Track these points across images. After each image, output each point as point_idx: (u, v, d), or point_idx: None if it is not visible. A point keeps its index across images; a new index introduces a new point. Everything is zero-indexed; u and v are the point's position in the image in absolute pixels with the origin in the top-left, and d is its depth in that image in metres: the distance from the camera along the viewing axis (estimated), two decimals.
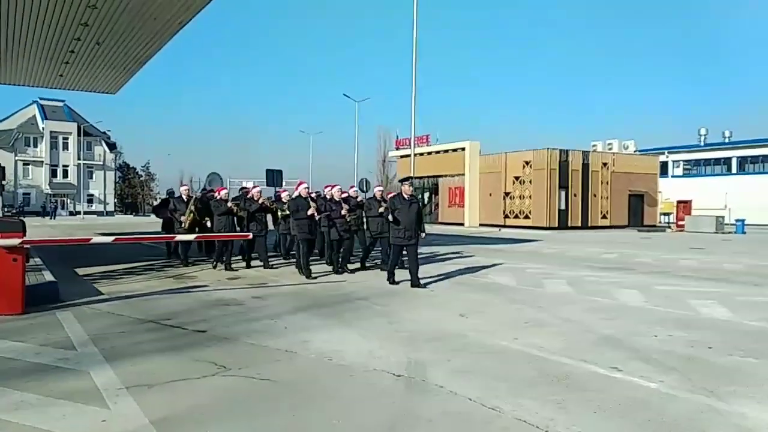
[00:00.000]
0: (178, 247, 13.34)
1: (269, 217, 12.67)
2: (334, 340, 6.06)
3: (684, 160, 51.85)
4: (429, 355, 5.50)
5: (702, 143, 51.79)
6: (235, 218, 12.15)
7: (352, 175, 48.49)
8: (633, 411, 4.04)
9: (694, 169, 51.28)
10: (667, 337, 6.25)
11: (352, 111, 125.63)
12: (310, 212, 10.68)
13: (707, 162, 50.27)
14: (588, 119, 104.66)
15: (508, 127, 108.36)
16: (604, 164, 35.74)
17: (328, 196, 12.03)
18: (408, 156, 42.21)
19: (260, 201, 12.06)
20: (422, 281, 9.79)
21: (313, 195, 11.88)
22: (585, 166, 34.56)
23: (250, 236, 11.49)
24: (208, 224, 12.47)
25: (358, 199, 12.50)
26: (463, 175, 37.72)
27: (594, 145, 40.63)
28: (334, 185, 11.99)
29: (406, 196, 9.84)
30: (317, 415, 3.98)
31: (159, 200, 16.59)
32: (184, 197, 12.93)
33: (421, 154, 36.21)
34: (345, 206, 11.41)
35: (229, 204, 11.92)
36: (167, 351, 5.52)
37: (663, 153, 48.58)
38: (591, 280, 10.85)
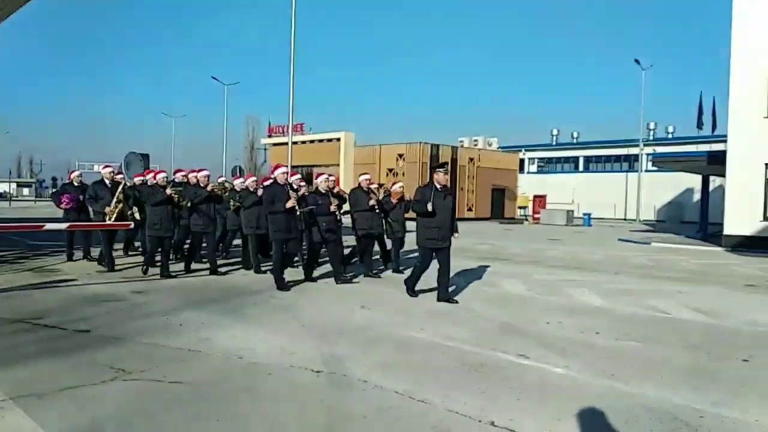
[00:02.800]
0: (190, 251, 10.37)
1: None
2: (238, 337, 5.73)
3: (538, 158, 56.07)
4: (343, 349, 5.38)
5: (554, 143, 56.39)
6: (174, 209, 9.52)
7: (220, 161, 46.71)
8: (550, 396, 4.24)
9: (547, 166, 55.67)
10: (558, 324, 6.68)
11: (217, 96, 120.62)
12: (289, 204, 8.41)
13: (558, 160, 54.82)
14: (456, 115, 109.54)
15: (382, 119, 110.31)
16: (471, 159, 37.64)
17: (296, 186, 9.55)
18: (281, 144, 41.58)
19: (209, 188, 9.85)
20: (313, 275, 9.58)
21: (296, 183, 9.57)
22: (454, 161, 36.12)
23: (131, 225, 9.97)
24: (136, 215, 10.31)
25: (335, 191, 9.71)
26: (338, 165, 37.75)
27: (461, 141, 42.61)
28: (321, 173, 9.76)
29: (439, 186, 7.79)
30: (245, 417, 3.72)
31: (60, 186, 12.86)
32: (107, 182, 10.28)
33: (296, 143, 35.60)
34: (334, 200, 9.11)
35: (168, 191, 9.30)
36: (51, 355, 4.89)
37: (521, 151, 52.13)
38: (474, 270, 11.32)
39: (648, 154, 41.91)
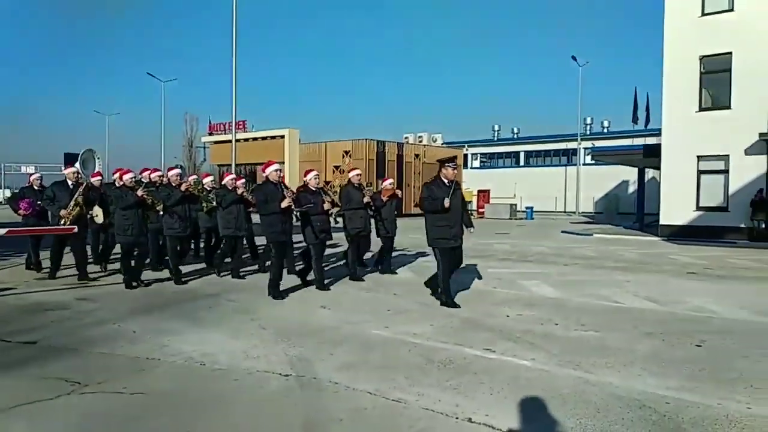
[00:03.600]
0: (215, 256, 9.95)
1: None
2: (197, 342, 5.53)
3: (481, 153, 57.04)
4: (309, 351, 5.28)
5: (496, 138, 57.51)
6: (146, 213, 8.81)
7: (158, 159, 45.27)
8: (522, 389, 4.28)
9: (489, 161, 56.72)
10: (517, 317, 6.78)
11: (153, 92, 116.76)
12: (284, 204, 7.81)
13: (500, 155, 55.95)
14: (401, 112, 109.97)
15: (327, 116, 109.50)
16: (417, 155, 37.91)
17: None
18: (222, 142, 40.69)
19: (183, 188, 9.13)
20: (242, 273, 9.54)
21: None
22: (400, 157, 36.32)
23: (75, 229, 8.77)
24: (98, 219, 9.38)
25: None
26: (283, 162, 37.26)
27: (406, 137, 42.87)
28: (310, 170, 8.93)
29: (446, 181, 7.31)
30: (219, 426, 3.58)
31: (19, 189, 10.94)
32: (69, 183, 9.28)
33: (239, 141, 34.91)
34: (327, 198, 8.60)
35: (140, 193, 8.49)
36: None
37: (464, 146, 52.90)
38: (429, 265, 11.36)
39: (586, 148, 43.40)
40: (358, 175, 9.82)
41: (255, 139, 38.97)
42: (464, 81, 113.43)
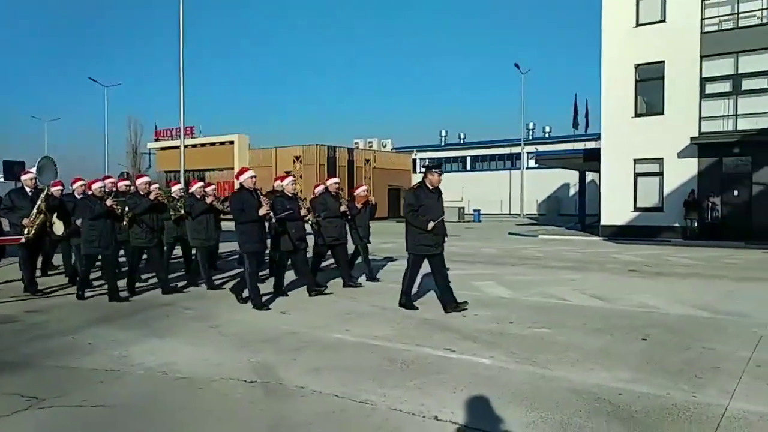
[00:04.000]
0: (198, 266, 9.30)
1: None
2: (157, 352, 5.45)
3: (429, 158, 57.73)
4: (271, 356, 5.29)
5: (443, 143, 58.41)
6: (114, 223, 8.20)
7: (102, 166, 43.77)
8: (483, 386, 4.43)
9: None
10: (474, 316, 6.98)
11: (95, 97, 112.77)
12: (262, 212, 7.47)
13: (447, 160, 56.78)
14: (351, 117, 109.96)
15: (278, 122, 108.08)
16: (367, 161, 38.11)
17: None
18: (169, 148, 39.75)
19: (153, 196, 8.60)
20: (218, 282, 9.32)
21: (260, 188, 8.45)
22: (350, 162, 36.44)
23: (22, 240, 8.29)
24: (58, 231, 8.94)
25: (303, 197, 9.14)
26: (232, 168, 36.72)
27: (356, 143, 43.01)
28: (285, 175, 8.88)
29: (431, 187, 7.27)
30: None
31: None
32: (28, 190, 8.83)
33: (187, 146, 34.20)
34: (305, 204, 8.50)
35: (109, 202, 7.93)
36: None
37: (413, 151, 53.47)
38: (386, 268, 11.50)
39: (529, 153, 44.65)
40: (336, 183, 9.47)
41: (203, 145, 38.25)
42: (413, 87, 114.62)
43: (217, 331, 6.29)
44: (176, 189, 10.08)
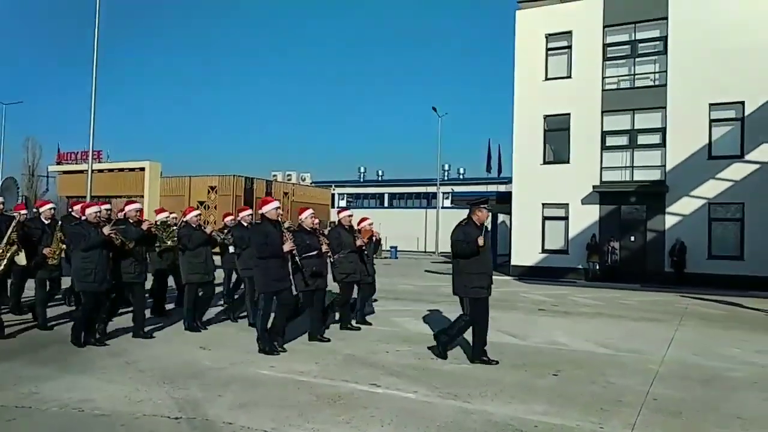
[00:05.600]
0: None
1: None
2: (71, 388, 5.22)
3: (348, 194, 58.27)
4: (195, 392, 5.20)
5: (362, 179, 59.19)
6: (110, 253, 7.20)
7: None
8: (409, 420, 4.59)
9: (355, 201, 58.04)
10: (396, 352, 7.16)
11: None
12: (287, 248, 6.91)
13: (366, 196, 57.56)
14: (269, 149, 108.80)
15: (192, 151, 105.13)
16: (285, 194, 37.90)
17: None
18: (73, 172, 37.75)
19: (146, 226, 7.70)
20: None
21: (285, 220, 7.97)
22: (268, 194, 36.00)
23: None
24: (20, 261, 7.66)
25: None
26: (142, 196, 35.34)
27: (275, 175, 42.72)
28: (305, 208, 8.13)
29: (478, 223, 6.69)
30: None
31: None
32: (45, 220, 8.27)
33: (94, 172, 32.68)
34: (324, 239, 7.84)
35: (107, 231, 6.96)
36: None
37: (332, 186, 53.75)
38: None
39: (444, 193, 46.13)
40: (349, 215, 8.78)
41: (111, 170, 36.60)
42: (333, 122, 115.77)
43: (134, 368, 6.08)
44: (162, 217, 9.10)
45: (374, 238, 9.38)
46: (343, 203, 57.55)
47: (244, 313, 9.25)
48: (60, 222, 8.39)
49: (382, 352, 7.13)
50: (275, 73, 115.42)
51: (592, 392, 5.54)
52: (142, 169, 35.88)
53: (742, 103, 18.62)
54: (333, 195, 52.90)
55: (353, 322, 8.96)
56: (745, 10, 18.50)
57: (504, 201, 24.50)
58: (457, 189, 46.08)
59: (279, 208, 7.23)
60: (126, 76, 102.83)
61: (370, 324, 9.20)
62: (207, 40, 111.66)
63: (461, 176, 54.58)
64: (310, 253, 7.41)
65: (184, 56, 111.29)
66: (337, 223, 8.91)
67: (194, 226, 8.39)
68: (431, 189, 48.48)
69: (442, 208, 45.48)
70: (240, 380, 5.68)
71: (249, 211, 9.31)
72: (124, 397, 4.99)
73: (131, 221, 7.72)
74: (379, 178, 58.55)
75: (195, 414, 4.59)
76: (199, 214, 8.66)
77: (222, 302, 10.01)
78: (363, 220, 9.53)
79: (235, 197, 33.52)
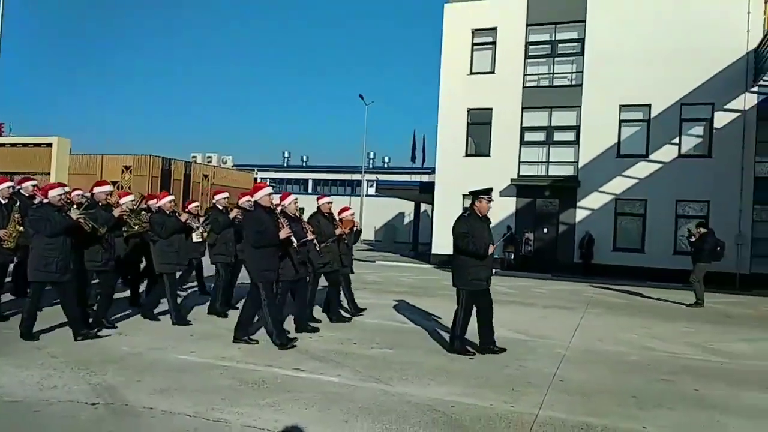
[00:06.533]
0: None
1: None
2: None
3: (271, 178, 57.35)
4: (113, 378, 5.08)
5: (285, 164, 58.45)
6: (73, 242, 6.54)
7: None
8: (332, 403, 4.71)
9: (279, 186, 57.28)
10: (319, 338, 7.25)
11: None
12: (283, 235, 6.61)
13: (290, 181, 56.90)
14: (189, 131, 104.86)
15: (105, 128, 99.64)
16: (205, 176, 36.81)
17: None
18: None
19: (117, 213, 7.11)
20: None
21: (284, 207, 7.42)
22: (187, 177, 34.91)
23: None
24: (5, 244, 7.26)
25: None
26: (49, 174, 33.25)
27: (194, 157, 41.38)
28: (287, 193, 7.74)
29: (480, 214, 6.70)
30: None
31: None
32: (2, 200, 7.45)
33: None
34: (309, 227, 7.57)
35: (75, 215, 6.41)
36: None
37: (254, 170, 52.71)
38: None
39: (369, 181, 46.41)
40: (328, 203, 8.59)
41: (14, 145, 34.12)
42: (256, 105, 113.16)
43: (46, 353, 5.84)
44: (166, 201, 8.05)
45: (355, 229, 9.13)
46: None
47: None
48: (18, 203, 7.64)
49: (305, 338, 7.19)
50: (199, 54, 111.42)
51: (505, 374, 5.88)
52: (49, 145, 33.69)
53: (649, 105, 19.90)
54: (255, 179, 51.92)
55: (343, 313, 8.77)
56: (654, 20, 19.70)
57: (427, 191, 25.02)
58: (382, 177, 46.48)
59: (272, 194, 6.95)
60: (36, 49, 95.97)
61: (358, 314, 9.10)
62: (127, 17, 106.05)
63: (386, 165, 55.04)
64: (306, 239, 7.20)
65: (100, 36, 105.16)
66: (317, 210, 8.58)
67: (167, 212, 7.89)
68: (356, 176, 48.63)
69: (367, 195, 45.76)
70: (160, 366, 5.59)
71: (225, 194, 8.83)
72: (37, 383, 4.81)
73: (100, 204, 7.11)
74: (304, 164, 58.07)
75: (113, 400, 4.51)
76: (173, 200, 8.12)
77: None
78: (344, 209, 9.26)
79: (151, 178, 32.20)
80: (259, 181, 55.14)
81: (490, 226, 6.91)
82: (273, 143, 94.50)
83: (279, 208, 7.28)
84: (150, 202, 9.01)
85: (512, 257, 21.03)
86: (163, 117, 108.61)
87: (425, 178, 40.24)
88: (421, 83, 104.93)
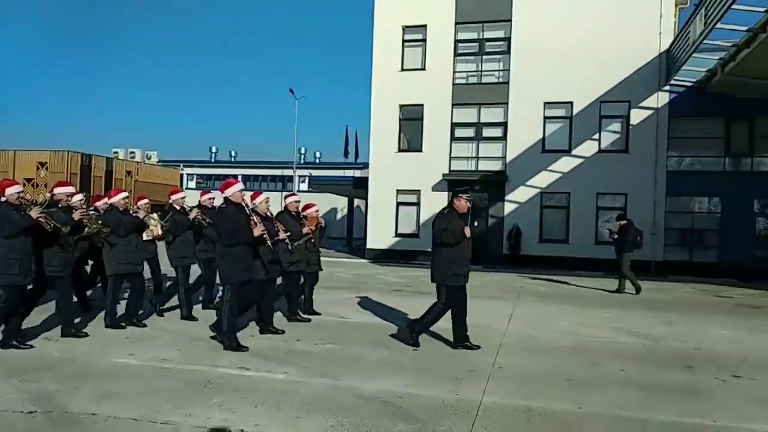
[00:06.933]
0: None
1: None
2: None
3: (198, 174, 55.77)
4: (48, 385, 4.88)
5: (213, 159, 56.96)
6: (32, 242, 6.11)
7: None
8: (282, 400, 4.73)
9: (206, 182, 55.72)
10: (262, 336, 7.19)
11: None
12: (257, 233, 6.47)
13: (218, 177, 55.43)
14: (109, 125, 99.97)
15: (17, 124, 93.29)
16: (129, 172, 35.36)
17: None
18: None
19: (78, 215, 6.65)
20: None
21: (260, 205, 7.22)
22: (109, 173, 33.41)
23: None
24: None
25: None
26: None
27: (116, 152, 39.73)
28: (258, 192, 7.57)
29: (458, 212, 6.75)
30: None
31: None
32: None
33: None
34: (281, 226, 7.37)
35: (35, 214, 5.98)
36: None
37: (180, 166, 51.06)
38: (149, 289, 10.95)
39: (300, 176, 46.01)
40: (296, 201, 8.41)
41: None
42: (182, 100, 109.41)
43: None
44: (119, 198, 7.61)
45: (320, 226, 8.91)
46: (192, 184, 55.12)
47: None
48: None
49: (247, 337, 7.10)
50: (120, 45, 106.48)
51: (448, 364, 6.07)
52: None
53: (571, 103, 20.83)
54: (182, 175, 50.36)
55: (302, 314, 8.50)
56: (574, 21, 20.55)
57: (360, 186, 25.11)
58: (315, 173, 46.27)
59: (243, 190, 6.73)
60: None
61: (319, 314, 8.80)
62: (44, 8, 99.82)
63: (318, 160, 54.75)
64: (278, 238, 7.07)
65: (16, 24, 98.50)
66: (284, 208, 8.39)
67: (121, 209, 7.51)
68: (287, 172, 48.07)
69: (299, 191, 45.37)
70: (97, 371, 5.41)
71: (182, 194, 8.47)
72: None
73: (60, 206, 6.69)
74: (232, 159, 56.83)
75: (51, 407, 4.34)
76: (127, 196, 7.75)
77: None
78: (309, 206, 9.00)
79: (69, 175, 30.56)
80: (186, 177, 53.52)
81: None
82: (200, 138, 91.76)
83: (250, 207, 7.11)
84: (97, 204, 8.55)
85: None
86: (82, 112, 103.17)
87: (358, 173, 40.31)
88: (352, 79, 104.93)
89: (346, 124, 70.77)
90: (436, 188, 22.07)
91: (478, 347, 6.72)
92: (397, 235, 22.63)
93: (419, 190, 22.35)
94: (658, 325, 9.04)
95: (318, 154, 55.20)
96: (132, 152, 40.65)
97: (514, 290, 13.40)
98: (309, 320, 8.38)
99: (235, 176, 54.49)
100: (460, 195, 6.81)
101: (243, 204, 6.67)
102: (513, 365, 6.13)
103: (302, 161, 52.12)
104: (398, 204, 22.71)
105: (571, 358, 6.61)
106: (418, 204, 22.45)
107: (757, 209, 19.40)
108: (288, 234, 7.43)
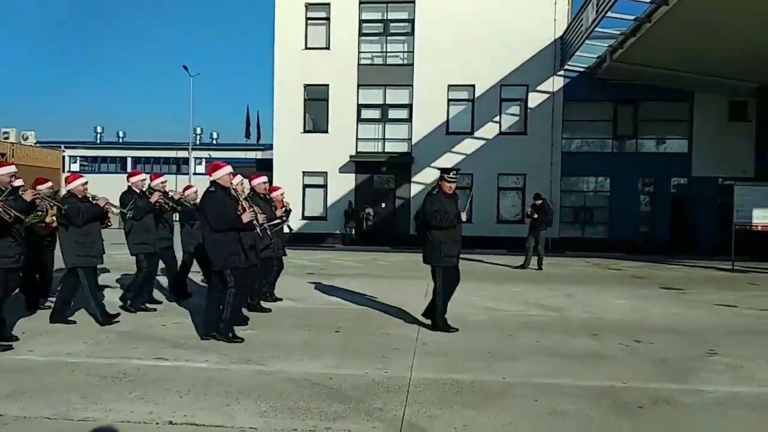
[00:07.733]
0: None
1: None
2: None
3: (81, 156, 51.99)
4: None
5: (98, 141, 53.33)
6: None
7: None
8: (208, 388, 4.53)
9: (91, 165, 52.10)
10: (174, 325, 6.88)
11: None
12: (246, 218, 6.06)
13: (104, 159, 52.03)
14: None
15: None
16: (3, 155, 32.24)
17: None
18: None
19: (30, 196, 5.82)
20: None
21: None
22: None
23: None
24: None
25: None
26: None
27: None
28: (257, 174, 7.15)
29: (446, 192, 6.72)
30: None
31: None
32: None
33: None
34: (259, 209, 6.69)
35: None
36: None
37: (61, 147, 47.29)
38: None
39: (197, 158, 44.19)
40: (264, 182, 7.98)
41: None
42: (62, 77, 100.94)
43: None
44: (78, 184, 6.77)
45: (285, 209, 8.49)
46: (76, 167, 51.33)
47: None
48: None
49: (158, 326, 6.77)
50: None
51: (373, 343, 6.10)
52: None
53: (473, 86, 21.44)
54: (63, 157, 46.72)
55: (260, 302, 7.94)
56: (479, 4, 21.05)
57: (264, 168, 24.50)
58: (214, 154, 44.63)
59: (233, 173, 6.32)
60: None
61: (281, 299, 8.51)
62: None
63: (215, 141, 52.79)
64: (279, 220, 6.87)
65: None
66: (251, 191, 7.85)
67: (80, 196, 6.76)
68: (182, 153, 45.97)
69: (195, 174, 43.54)
70: None
71: (143, 176, 7.75)
72: None
73: (5, 189, 5.84)
74: (120, 140, 53.52)
75: None
76: (86, 182, 6.95)
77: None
78: (274, 189, 8.61)
79: None
80: (68, 160, 49.66)
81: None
82: (83, 117, 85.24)
83: (246, 190, 6.92)
84: (40, 188, 7.56)
85: (353, 232, 21.55)
86: None
87: (260, 154, 39.34)
88: (253, 56, 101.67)
89: (246, 104, 68.41)
90: (343, 170, 22.02)
91: (456, 329, 6.72)
92: (304, 217, 22.34)
93: (326, 172, 22.19)
94: (561, 297, 9.60)
95: (215, 135, 53.24)
96: (5, 132, 36.89)
97: (424, 269, 13.56)
98: (270, 310, 7.82)
99: (123, 158, 51.51)
100: (446, 177, 6.82)
101: (231, 188, 6.35)
102: (435, 341, 6.27)
103: (198, 142, 50.10)
104: (305, 186, 22.43)
105: (488, 331, 6.87)
106: (325, 186, 22.29)
107: (640, 188, 21.07)
108: (265, 217, 7.00)
